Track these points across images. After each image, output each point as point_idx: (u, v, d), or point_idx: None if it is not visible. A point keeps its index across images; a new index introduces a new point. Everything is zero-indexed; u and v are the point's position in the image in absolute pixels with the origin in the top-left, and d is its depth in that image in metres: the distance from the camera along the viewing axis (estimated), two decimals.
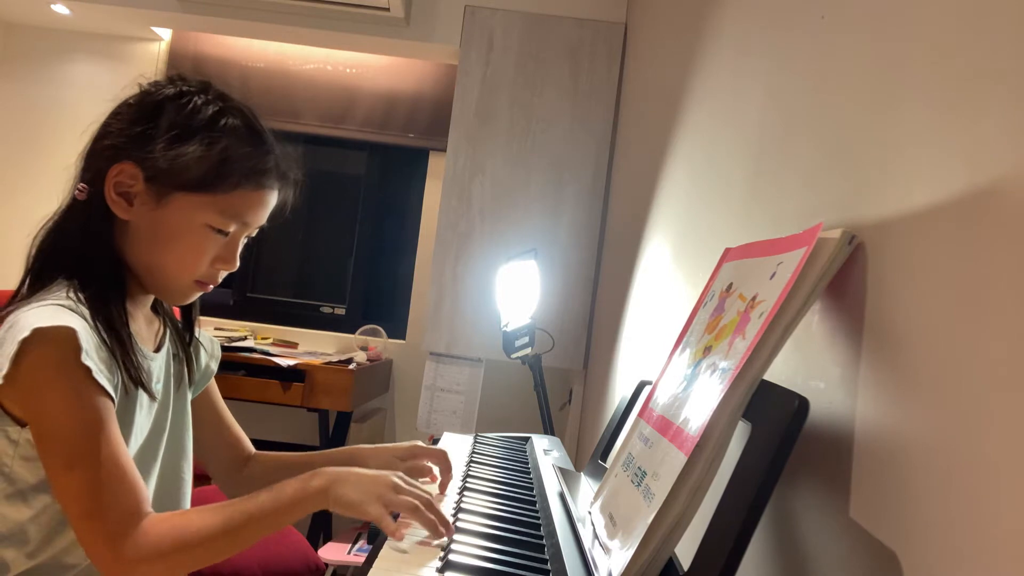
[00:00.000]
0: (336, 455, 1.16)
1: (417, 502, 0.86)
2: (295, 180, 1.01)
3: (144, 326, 1.00)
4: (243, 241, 0.99)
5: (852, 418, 0.63)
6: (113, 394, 0.84)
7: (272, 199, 0.98)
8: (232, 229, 0.95)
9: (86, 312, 0.86)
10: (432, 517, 0.85)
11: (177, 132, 0.91)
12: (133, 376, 0.89)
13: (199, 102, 0.93)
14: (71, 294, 0.87)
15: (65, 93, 3.13)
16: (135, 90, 0.96)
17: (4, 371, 0.78)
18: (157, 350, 1.00)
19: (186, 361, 1.06)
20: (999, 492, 0.45)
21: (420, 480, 1.08)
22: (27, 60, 3.17)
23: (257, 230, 1.00)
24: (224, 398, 1.19)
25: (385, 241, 3.34)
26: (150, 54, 3.17)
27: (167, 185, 0.91)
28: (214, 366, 1.15)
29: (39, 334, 0.78)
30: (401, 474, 0.90)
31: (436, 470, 1.10)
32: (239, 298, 3.29)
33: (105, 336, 0.86)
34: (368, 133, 3.18)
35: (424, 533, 0.86)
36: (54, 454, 0.80)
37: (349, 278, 3.31)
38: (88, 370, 0.80)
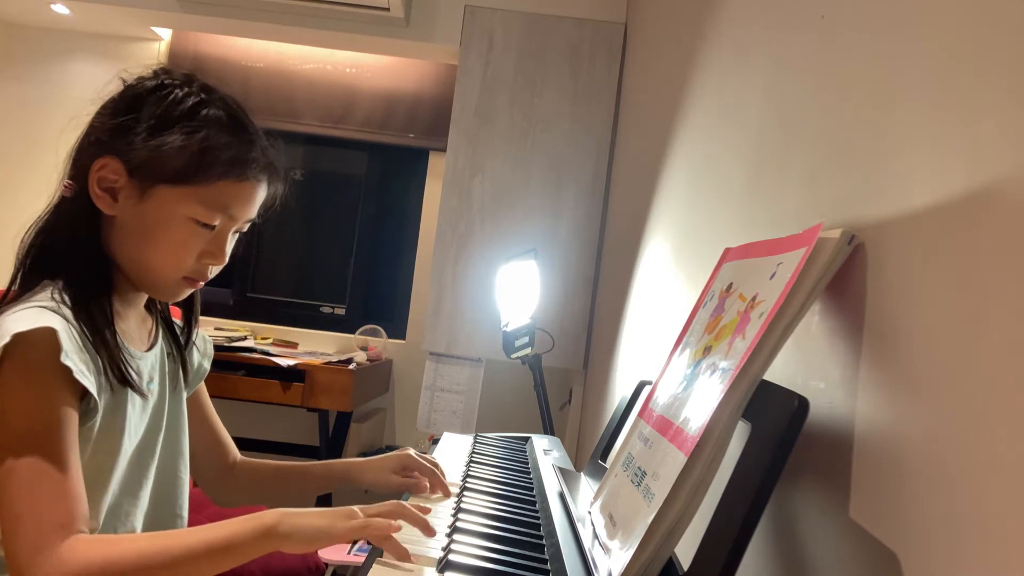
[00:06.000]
0: (333, 466, 1.15)
1: (388, 521, 0.82)
2: (284, 173, 0.99)
3: (136, 324, 0.99)
4: (234, 236, 0.97)
5: (852, 418, 0.63)
6: (95, 393, 0.83)
7: (259, 192, 0.95)
8: (217, 222, 0.92)
9: (68, 312, 0.85)
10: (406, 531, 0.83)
11: (156, 123, 0.89)
12: (117, 375, 0.88)
13: (180, 93, 0.92)
14: (55, 294, 0.86)
15: (65, 93, 3.13)
16: (120, 85, 0.95)
17: None
18: (149, 349, 0.99)
19: (181, 360, 1.06)
20: (999, 492, 0.45)
21: (419, 495, 1.07)
22: (27, 60, 3.18)
23: (248, 224, 0.98)
24: (224, 398, 1.19)
25: (385, 241, 3.34)
26: (150, 54, 3.17)
27: (149, 178, 0.89)
28: (207, 365, 1.14)
29: (20, 339, 0.77)
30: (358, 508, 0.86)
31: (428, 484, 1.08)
32: (239, 298, 3.29)
33: (88, 335, 0.85)
34: (368, 133, 3.18)
35: (417, 532, 0.85)
36: (2, 449, 0.78)
37: (349, 278, 3.31)
38: (67, 370, 0.79)
